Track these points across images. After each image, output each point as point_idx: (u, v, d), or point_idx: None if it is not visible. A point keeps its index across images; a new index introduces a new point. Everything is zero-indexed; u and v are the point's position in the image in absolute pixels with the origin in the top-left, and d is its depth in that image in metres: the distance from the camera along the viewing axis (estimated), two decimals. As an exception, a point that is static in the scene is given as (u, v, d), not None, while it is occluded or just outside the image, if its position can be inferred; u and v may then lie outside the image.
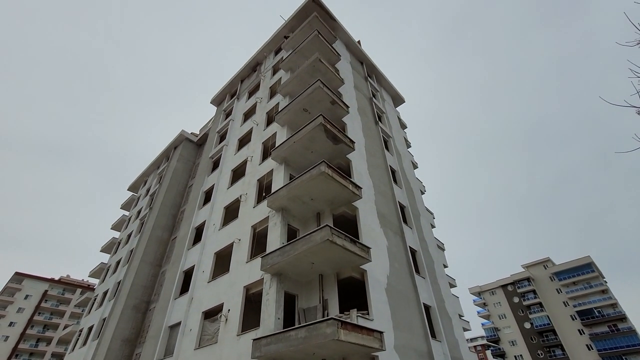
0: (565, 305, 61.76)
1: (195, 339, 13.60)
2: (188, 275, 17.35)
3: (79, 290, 69.52)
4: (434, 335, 14.38)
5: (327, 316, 10.54)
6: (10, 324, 61.09)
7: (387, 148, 22.03)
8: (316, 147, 15.04)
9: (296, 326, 9.36)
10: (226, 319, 12.66)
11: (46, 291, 66.61)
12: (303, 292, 12.34)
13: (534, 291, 65.89)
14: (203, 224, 19.01)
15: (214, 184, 20.85)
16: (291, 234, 13.61)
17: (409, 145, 30.10)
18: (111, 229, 36.54)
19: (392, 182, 19.03)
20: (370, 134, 20.44)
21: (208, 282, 15.25)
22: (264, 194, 15.66)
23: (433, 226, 23.32)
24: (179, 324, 15.10)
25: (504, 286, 70.25)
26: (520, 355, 62.65)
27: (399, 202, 18.32)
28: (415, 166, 28.93)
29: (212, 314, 13.93)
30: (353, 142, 15.49)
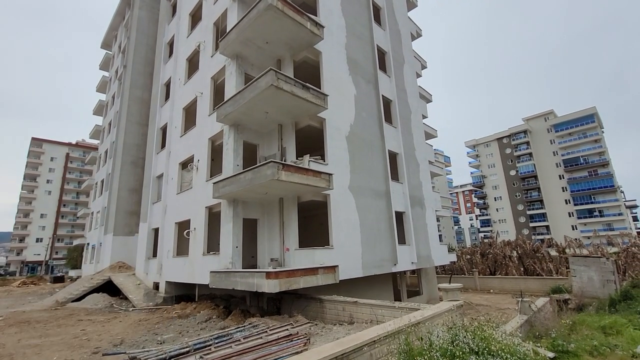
0: (554, 155, 64.61)
1: (176, 186, 15.07)
2: (164, 131, 17.72)
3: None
4: (397, 178, 15.48)
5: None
6: (48, 181, 69.43)
7: (373, -23, 18.06)
8: (272, -25, 12.26)
9: (244, 170, 9.94)
10: (197, 168, 13.58)
11: (68, 154, 72.20)
12: (264, 142, 12.65)
13: (527, 143, 67.82)
14: (169, 80, 18.03)
15: (174, 34, 18.58)
16: (250, 85, 12.81)
17: (409, -25, 24.66)
18: (97, 91, 35.72)
19: (372, 22, 16.46)
20: (350, -45, 16.33)
21: (180, 136, 15.66)
22: (219, 40, 13.98)
23: (419, 75, 21.66)
24: (162, 175, 16.46)
25: (499, 139, 72.06)
26: (500, 196, 70.45)
27: (377, 46, 16.35)
28: (413, 4, 24.59)
29: (186, 164, 14.91)
30: (318, -34, 12.52)
